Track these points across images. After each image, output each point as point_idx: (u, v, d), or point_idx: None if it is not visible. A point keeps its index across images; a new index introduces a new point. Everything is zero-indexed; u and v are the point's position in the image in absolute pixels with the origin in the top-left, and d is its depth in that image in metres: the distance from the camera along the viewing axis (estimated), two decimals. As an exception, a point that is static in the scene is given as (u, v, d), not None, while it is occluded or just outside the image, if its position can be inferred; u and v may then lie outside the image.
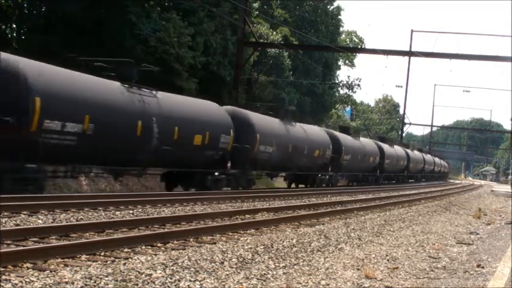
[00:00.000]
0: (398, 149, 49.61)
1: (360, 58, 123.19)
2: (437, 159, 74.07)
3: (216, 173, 21.14)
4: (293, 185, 30.25)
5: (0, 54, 13.64)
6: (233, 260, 8.43)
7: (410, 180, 56.68)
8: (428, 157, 67.19)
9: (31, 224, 10.09)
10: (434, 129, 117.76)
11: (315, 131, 30.87)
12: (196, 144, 19.77)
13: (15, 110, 13.44)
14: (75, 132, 14.80)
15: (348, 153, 34.07)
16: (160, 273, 7.13)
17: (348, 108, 79.08)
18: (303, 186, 30.13)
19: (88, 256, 7.91)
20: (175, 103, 19.35)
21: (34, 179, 14.26)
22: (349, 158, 34.27)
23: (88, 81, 15.96)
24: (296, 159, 27.43)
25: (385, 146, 44.31)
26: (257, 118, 24.24)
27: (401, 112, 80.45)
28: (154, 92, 18.20)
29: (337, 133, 34.67)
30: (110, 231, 10.04)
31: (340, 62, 64.92)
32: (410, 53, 42.05)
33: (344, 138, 34.59)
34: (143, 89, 17.85)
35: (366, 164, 38.61)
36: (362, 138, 41.42)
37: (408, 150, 53.74)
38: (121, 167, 17.54)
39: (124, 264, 7.39)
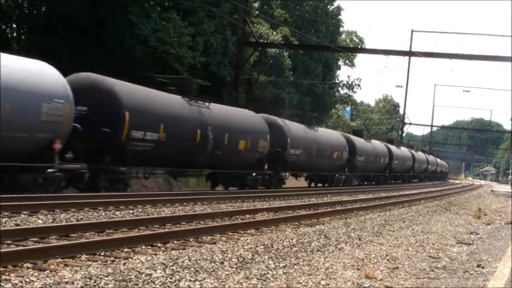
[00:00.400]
0: (404, 150, 51.96)
1: (360, 58, 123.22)
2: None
3: (254, 174, 24.10)
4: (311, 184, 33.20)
5: (104, 79, 17.04)
6: (233, 260, 8.43)
7: (414, 180, 57.91)
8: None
9: (31, 224, 10.09)
10: (434, 129, 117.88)
11: (333, 135, 34.41)
12: (240, 148, 22.89)
13: (112, 123, 16.49)
14: (153, 139, 17.89)
15: (362, 154, 37.35)
16: (160, 273, 7.13)
17: (348, 108, 79.09)
18: (320, 185, 33.04)
19: (88, 256, 7.91)
20: (224, 113, 22.58)
21: (123, 179, 17.50)
22: (362, 159, 37.54)
23: (160, 96, 19.08)
24: (319, 161, 30.37)
25: (393, 148, 46.97)
26: (288, 124, 27.35)
27: (401, 112, 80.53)
28: (207, 104, 21.27)
29: (352, 136, 37.85)
30: (110, 231, 10.04)
31: (340, 62, 64.94)
32: (410, 53, 42.08)
33: (358, 141, 37.64)
34: (199, 102, 20.91)
35: (377, 164, 41.86)
36: (373, 141, 42.87)
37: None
38: (182, 169, 21.05)
39: (124, 264, 7.39)
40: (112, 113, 16.58)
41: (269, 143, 24.58)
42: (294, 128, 27.68)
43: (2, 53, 13.88)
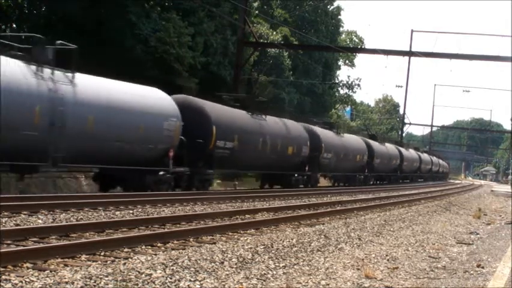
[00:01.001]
0: (390, 147, 47.60)
1: (360, 58, 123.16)
2: (435, 159, 73.86)
3: (296, 174, 28.30)
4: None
5: (196, 100, 21.40)
6: (233, 260, 8.43)
7: (420, 180, 57.98)
8: (425, 156, 65.69)
9: (31, 224, 10.09)
10: (434, 129, 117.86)
11: (356, 140, 38.07)
12: (289, 153, 27.19)
13: (204, 135, 20.49)
14: (230, 147, 21.95)
15: (378, 157, 39.87)
16: (160, 273, 7.13)
17: (348, 108, 79.08)
18: (342, 184, 37.83)
19: (88, 256, 7.91)
20: (276, 124, 26.89)
21: (209, 180, 21.63)
22: (379, 161, 40.60)
23: (233, 112, 23.36)
24: (344, 164, 34.84)
25: (375, 144, 42.35)
26: (322, 132, 31.94)
27: (401, 112, 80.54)
28: (264, 117, 25.51)
29: (370, 140, 40.32)
30: (110, 231, 10.04)
31: (340, 62, 64.92)
32: (410, 53, 42.10)
33: (375, 144, 40.66)
34: (259, 115, 25.02)
35: (390, 166, 44.83)
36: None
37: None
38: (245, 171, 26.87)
39: (124, 264, 7.39)
40: (205, 127, 20.71)
41: (309, 148, 28.98)
42: (327, 134, 32.46)
43: (130, 83, 18.04)
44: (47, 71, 14.86)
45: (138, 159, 17.74)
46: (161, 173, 18.36)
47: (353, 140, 37.98)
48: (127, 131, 17.20)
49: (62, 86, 15.13)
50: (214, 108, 21.79)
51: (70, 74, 15.59)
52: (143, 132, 17.77)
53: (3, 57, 14.02)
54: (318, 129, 31.26)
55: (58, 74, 15.20)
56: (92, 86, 16.39)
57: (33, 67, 14.64)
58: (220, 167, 22.24)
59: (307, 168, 29.14)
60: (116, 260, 7.82)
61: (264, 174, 27.63)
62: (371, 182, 41.83)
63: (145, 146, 17.99)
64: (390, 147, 46.74)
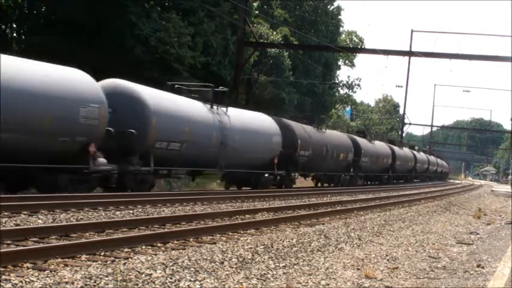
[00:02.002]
0: (406, 151, 52.10)
1: (360, 58, 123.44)
2: (433, 158, 74.03)
3: (343, 175, 33.45)
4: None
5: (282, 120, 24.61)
6: (233, 260, 8.43)
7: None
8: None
9: (31, 224, 10.08)
10: (434, 129, 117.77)
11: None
12: (340, 159, 32.92)
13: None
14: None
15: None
16: (160, 273, 7.13)
17: (348, 108, 79.08)
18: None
19: (88, 256, 7.91)
20: (332, 135, 31.34)
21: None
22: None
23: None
24: (377, 166, 39.64)
25: (396, 148, 47.21)
26: (362, 141, 36.41)
27: (401, 112, 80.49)
28: (324, 130, 29.50)
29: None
30: (110, 231, 10.03)
31: (340, 62, 64.92)
32: (410, 53, 42.11)
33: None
34: (313, 125, 29.36)
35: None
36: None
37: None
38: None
39: (124, 264, 7.39)
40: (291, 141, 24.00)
41: (353, 154, 31.68)
42: (366, 144, 35.17)
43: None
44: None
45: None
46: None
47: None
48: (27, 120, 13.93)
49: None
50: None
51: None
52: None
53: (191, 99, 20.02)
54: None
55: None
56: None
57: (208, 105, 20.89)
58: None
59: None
60: (116, 260, 7.81)
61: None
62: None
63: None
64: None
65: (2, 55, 13.89)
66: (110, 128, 16.38)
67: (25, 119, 13.82)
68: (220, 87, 23.29)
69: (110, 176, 16.56)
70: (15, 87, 13.61)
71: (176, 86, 20.88)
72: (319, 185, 33.88)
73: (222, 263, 8.16)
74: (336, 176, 34.09)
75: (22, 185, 15.22)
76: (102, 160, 16.27)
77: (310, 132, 29.69)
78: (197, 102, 20.95)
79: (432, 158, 69.08)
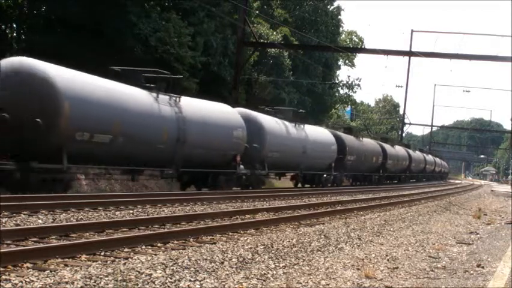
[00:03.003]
0: (399, 149, 49.01)
1: (360, 58, 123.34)
2: (437, 160, 73.74)
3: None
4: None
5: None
6: (233, 260, 8.43)
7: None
8: (429, 157, 66.13)
9: (31, 224, 10.08)
10: (434, 129, 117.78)
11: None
12: (373, 161, 38.69)
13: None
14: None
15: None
16: (160, 273, 7.13)
17: (348, 108, 79.05)
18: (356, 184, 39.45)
19: (88, 256, 7.91)
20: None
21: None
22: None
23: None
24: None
25: (387, 146, 44.11)
26: (387, 147, 41.72)
27: (401, 112, 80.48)
28: (361, 139, 33.10)
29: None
30: (110, 231, 10.03)
31: (340, 62, 64.89)
32: (410, 53, 42.13)
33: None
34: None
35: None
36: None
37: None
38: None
39: (124, 264, 7.39)
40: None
41: (382, 158, 36.90)
42: (391, 150, 38.51)
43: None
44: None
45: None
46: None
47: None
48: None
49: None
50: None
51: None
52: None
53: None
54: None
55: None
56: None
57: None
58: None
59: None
60: (116, 260, 7.81)
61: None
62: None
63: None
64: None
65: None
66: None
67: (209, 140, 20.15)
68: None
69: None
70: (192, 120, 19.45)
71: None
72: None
73: (222, 263, 8.16)
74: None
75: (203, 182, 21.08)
76: (242, 167, 22.41)
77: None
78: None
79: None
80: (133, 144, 17.10)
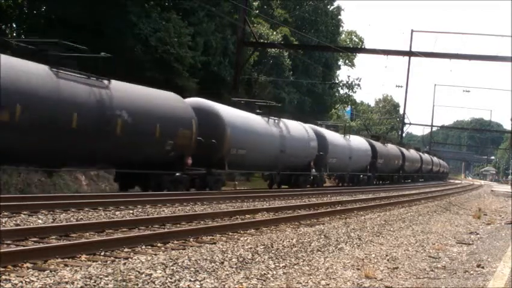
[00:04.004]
0: (392, 148, 45.66)
1: (360, 58, 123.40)
2: (435, 159, 73.36)
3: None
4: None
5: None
6: (233, 260, 8.43)
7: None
8: (426, 156, 63.69)
9: (31, 224, 10.08)
10: (434, 129, 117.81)
11: (357, 142, 36.77)
12: (396, 164, 43.75)
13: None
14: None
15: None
16: (160, 273, 7.13)
17: (348, 108, 79.05)
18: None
19: (88, 256, 7.91)
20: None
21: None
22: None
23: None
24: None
25: (378, 145, 40.96)
26: (378, 145, 40.40)
27: (401, 112, 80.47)
28: (347, 137, 33.03)
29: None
30: (110, 231, 10.03)
31: (340, 62, 64.90)
32: (410, 53, 42.16)
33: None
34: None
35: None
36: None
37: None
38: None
39: (124, 264, 7.39)
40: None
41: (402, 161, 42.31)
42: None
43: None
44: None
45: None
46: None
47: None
48: None
49: None
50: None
51: None
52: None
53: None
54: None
55: None
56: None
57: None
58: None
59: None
60: (116, 260, 7.81)
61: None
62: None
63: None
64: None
65: None
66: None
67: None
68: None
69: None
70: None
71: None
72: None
73: (222, 263, 8.16)
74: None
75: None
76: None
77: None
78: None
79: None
80: (258, 155, 23.84)
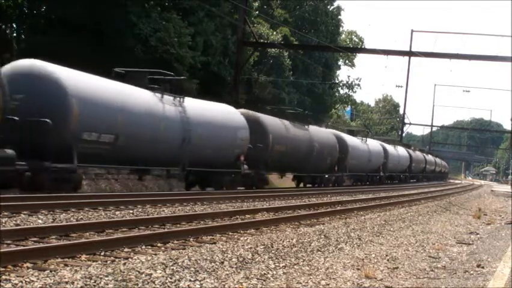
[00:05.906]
0: (400, 150, 49.43)
1: (360, 58, 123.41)
2: (437, 160, 73.58)
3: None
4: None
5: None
6: (233, 259, 8.43)
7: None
8: (429, 157, 65.83)
9: (31, 224, 10.08)
10: (434, 129, 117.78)
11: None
12: (404, 165, 41.56)
13: None
14: None
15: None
16: (160, 273, 7.13)
17: (348, 108, 79.05)
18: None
19: (88, 256, 7.91)
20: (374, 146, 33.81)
21: None
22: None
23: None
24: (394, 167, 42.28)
25: (389, 147, 44.49)
26: (389, 148, 42.45)
27: (401, 112, 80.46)
28: (363, 139, 33.17)
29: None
30: (110, 231, 10.03)
31: (340, 62, 64.88)
32: (410, 53, 42.18)
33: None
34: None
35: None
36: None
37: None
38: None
39: (124, 264, 7.39)
40: None
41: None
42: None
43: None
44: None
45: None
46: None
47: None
48: None
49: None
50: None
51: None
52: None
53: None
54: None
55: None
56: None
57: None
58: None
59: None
60: (116, 260, 7.81)
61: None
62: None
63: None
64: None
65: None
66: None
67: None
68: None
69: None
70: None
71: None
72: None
73: (222, 263, 8.16)
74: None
75: None
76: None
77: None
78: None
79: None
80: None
